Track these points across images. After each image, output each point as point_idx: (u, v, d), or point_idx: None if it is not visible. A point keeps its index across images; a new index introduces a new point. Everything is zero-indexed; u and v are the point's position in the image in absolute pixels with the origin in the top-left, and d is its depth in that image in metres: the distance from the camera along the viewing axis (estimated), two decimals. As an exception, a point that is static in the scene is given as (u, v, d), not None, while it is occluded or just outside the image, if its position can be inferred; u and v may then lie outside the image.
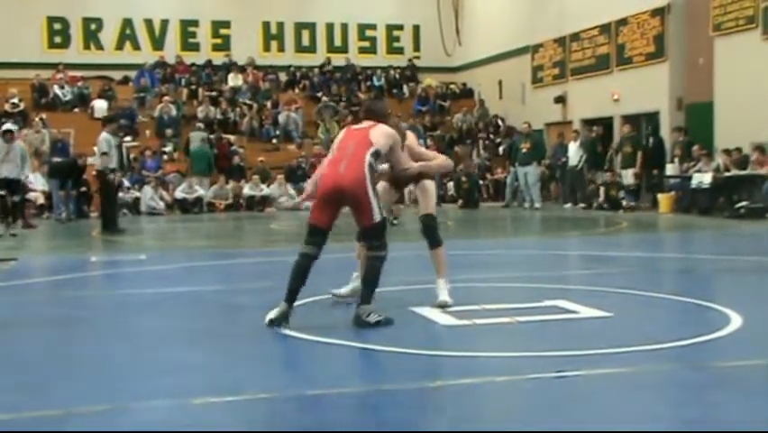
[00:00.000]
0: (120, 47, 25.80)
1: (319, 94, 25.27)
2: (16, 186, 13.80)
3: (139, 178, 19.89)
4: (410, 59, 27.55)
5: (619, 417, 3.61)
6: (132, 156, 19.60)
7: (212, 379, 4.31)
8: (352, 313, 5.51)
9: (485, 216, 18.24)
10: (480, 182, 21.40)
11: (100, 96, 23.19)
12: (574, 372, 4.21)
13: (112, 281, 8.78)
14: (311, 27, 27.31)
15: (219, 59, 25.99)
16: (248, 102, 24.12)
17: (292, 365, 4.88)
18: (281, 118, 23.54)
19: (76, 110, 23.11)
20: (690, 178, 16.31)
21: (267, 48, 26.96)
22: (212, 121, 22.73)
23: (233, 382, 4.22)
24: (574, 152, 19.45)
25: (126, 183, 18.57)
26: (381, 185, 6.19)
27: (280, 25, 27.03)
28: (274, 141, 23.13)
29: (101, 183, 14.07)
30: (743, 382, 4.14)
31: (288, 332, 5.28)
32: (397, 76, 26.97)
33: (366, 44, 27.71)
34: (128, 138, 20.41)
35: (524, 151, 19.32)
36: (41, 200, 17.85)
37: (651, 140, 17.92)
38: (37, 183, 17.90)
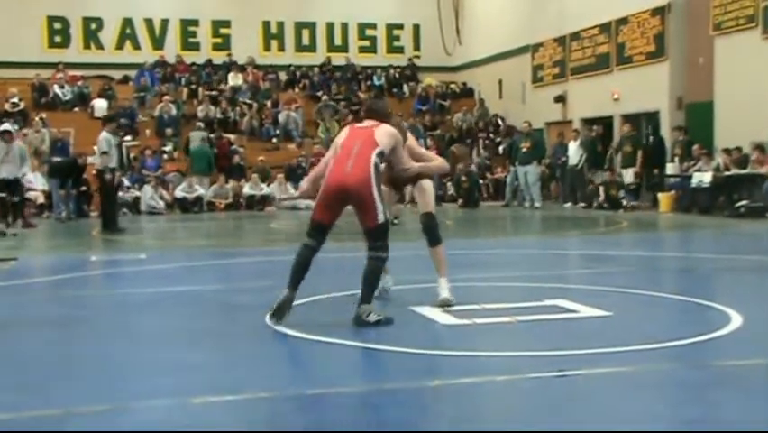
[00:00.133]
0: (120, 46, 25.79)
1: (319, 93, 25.25)
2: (16, 186, 13.80)
3: (139, 177, 19.89)
4: (410, 59, 27.54)
5: (619, 416, 3.61)
6: (132, 155, 19.61)
7: (212, 378, 4.31)
8: (352, 313, 5.51)
9: (485, 215, 18.23)
10: (480, 182, 21.38)
11: (100, 96, 23.18)
12: (574, 371, 4.20)
13: (112, 281, 8.78)
14: (311, 26, 27.30)
15: (219, 58, 25.98)
16: (248, 101, 24.11)
17: (292, 365, 4.87)
18: (281, 118, 23.54)
19: (76, 110, 23.11)
20: (690, 177, 16.31)
21: (267, 47, 26.95)
22: (212, 120, 22.73)
23: (232, 381, 4.21)
24: (574, 152, 19.45)
25: (126, 182, 18.57)
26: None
27: (280, 25, 27.02)
28: (274, 140, 23.13)
29: (101, 182, 14.08)
30: (743, 381, 4.14)
31: (288, 331, 5.27)
32: (398, 75, 26.94)
33: (366, 44, 27.70)
34: (128, 137, 20.43)
35: (524, 150, 19.31)
36: (41, 200, 17.83)
37: (651, 139, 17.94)
38: (37, 182, 17.89)
